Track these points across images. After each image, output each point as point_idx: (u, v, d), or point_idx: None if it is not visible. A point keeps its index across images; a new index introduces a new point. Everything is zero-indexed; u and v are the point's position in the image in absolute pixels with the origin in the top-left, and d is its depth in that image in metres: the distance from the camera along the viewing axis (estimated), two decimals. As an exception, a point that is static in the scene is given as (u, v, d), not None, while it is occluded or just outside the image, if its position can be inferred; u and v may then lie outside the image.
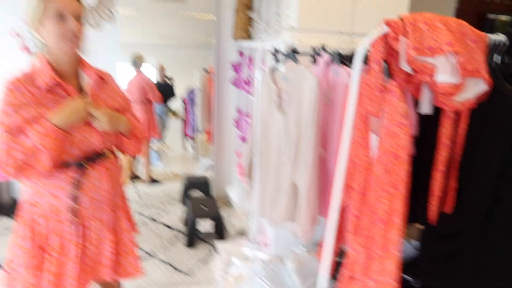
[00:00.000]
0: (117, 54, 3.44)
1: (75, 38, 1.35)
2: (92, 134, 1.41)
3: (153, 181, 4.36)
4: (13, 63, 3.27)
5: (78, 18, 1.35)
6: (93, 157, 1.43)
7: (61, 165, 1.37)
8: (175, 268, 2.72)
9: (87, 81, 1.45)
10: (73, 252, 1.42)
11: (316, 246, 2.42)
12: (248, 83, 3.02)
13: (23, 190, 1.44)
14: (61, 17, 1.31)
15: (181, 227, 3.35)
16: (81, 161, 1.40)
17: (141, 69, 4.07)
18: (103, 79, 1.49)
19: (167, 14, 4.48)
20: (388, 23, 1.09)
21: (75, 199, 1.40)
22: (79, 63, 1.46)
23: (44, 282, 1.39)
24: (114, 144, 1.53)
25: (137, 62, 4.01)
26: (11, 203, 3.51)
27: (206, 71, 4.70)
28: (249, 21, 3.30)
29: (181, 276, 2.63)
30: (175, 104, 5.73)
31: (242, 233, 3.19)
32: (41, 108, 1.31)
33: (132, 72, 4.02)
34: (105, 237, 1.51)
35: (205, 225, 3.03)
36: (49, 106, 1.33)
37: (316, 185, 1.64)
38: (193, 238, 2.99)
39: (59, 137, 1.29)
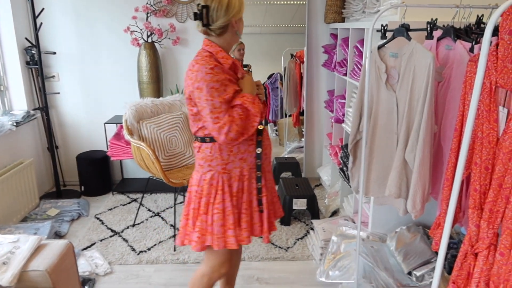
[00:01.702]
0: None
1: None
2: (262, 104, 1.69)
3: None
4: (123, 55, 3.64)
5: None
6: (262, 122, 1.70)
7: None
8: (274, 244, 2.86)
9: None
10: (256, 203, 1.72)
11: (414, 226, 2.40)
12: (342, 64, 3.03)
13: (213, 164, 1.67)
14: (241, 18, 1.65)
15: (275, 206, 3.50)
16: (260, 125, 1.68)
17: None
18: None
19: (253, 1, 4.59)
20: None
21: (259, 156, 1.68)
22: None
23: (242, 233, 1.70)
24: None
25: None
26: (121, 182, 3.92)
27: (292, 56, 4.76)
28: (342, 3, 3.28)
29: (280, 252, 2.77)
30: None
31: (334, 212, 3.25)
32: (231, 83, 1.58)
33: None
34: (273, 187, 1.85)
35: (298, 205, 3.13)
36: (233, 82, 1.60)
37: (429, 161, 1.63)
38: (289, 217, 3.11)
39: (260, 104, 1.60)
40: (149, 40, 3.50)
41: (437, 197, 1.88)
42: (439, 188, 1.83)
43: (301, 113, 4.44)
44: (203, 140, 1.67)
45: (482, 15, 1.68)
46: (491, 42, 1.19)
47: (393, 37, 1.77)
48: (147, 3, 3.48)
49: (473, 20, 1.69)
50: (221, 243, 1.67)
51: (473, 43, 1.54)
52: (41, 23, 3.33)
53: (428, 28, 1.64)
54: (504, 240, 1.21)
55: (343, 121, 3.03)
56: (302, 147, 4.20)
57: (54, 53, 3.59)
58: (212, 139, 1.65)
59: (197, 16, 1.58)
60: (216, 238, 1.67)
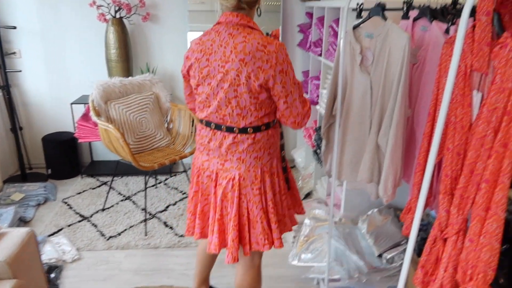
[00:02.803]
0: (186, 22, 3.48)
1: None
2: None
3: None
4: (89, 31, 3.46)
5: None
6: None
7: None
8: (247, 227, 2.83)
9: None
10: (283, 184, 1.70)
11: (386, 209, 2.41)
12: (317, 44, 2.96)
13: (271, 151, 1.59)
14: None
15: (249, 188, 3.45)
16: None
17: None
18: None
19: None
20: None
21: (282, 135, 1.67)
22: None
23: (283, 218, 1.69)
24: None
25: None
26: (90, 164, 3.79)
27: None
28: (318, -20, 3.19)
29: (253, 235, 2.74)
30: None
31: (308, 194, 3.24)
32: None
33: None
34: None
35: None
36: None
37: (401, 146, 1.61)
38: (262, 199, 3.08)
39: None
40: (117, 16, 3.33)
41: (409, 181, 1.87)
42: (411, 172, 1.81)
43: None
44: (257, 129, 1.51)
45: (459, -5, 1.64)
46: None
47: (369, 17, 1.70)
48: (114, -24, 3.29)
49: (449, 0, 1.65)
50: (289, 225, 1.71)
51: (449, 24, 1.49)
52: (-1, -5, 3.11)
53: (404, 8, 1.59)
54: (474, 226, 1.20)
55: (317, 103, 2.98)
56: (277, 128, 4.15)
57: (14, 27, 3.36)
58: (268, 126, 1.54)
59: None
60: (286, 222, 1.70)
